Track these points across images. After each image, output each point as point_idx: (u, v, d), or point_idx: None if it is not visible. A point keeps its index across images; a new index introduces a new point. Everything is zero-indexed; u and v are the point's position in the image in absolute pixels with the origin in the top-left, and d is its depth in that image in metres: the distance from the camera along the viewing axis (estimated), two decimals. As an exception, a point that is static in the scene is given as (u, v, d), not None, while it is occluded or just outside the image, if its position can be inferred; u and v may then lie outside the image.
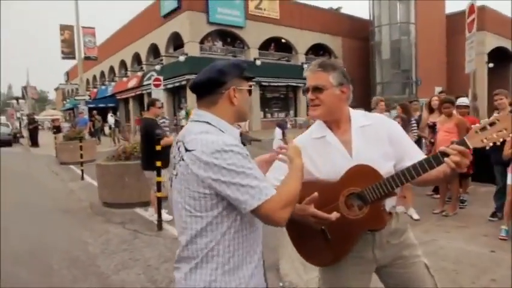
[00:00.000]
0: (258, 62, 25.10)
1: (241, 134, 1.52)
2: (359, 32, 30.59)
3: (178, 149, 1.41)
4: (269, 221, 1.33)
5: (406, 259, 1.80)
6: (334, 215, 1.58)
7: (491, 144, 1.47)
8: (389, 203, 1.76)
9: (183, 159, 1.36)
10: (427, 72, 28.73)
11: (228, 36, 25.68)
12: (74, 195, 8.21)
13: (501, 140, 1.46)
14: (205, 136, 1.35)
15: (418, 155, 1.74)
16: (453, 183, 5.45)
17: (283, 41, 27.84)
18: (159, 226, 5.40)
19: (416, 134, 6.21)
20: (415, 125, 6.33)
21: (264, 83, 25.68)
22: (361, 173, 1.66)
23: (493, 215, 5.10)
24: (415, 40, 28.91)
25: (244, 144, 1.45)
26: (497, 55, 31.68)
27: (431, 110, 6.52)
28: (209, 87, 1.44)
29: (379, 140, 1.75)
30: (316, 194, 1.57)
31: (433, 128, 6.12)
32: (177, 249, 1.46)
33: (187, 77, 22.15)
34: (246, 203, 1.29)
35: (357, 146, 1.74)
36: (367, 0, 29.90)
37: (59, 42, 21.91)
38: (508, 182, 4.42)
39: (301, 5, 28.57)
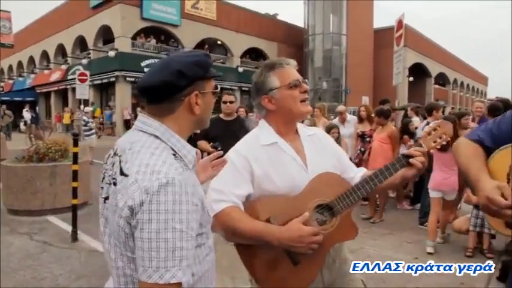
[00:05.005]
0: (193, 62, 24.53)
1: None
2: (294, 39, 31.36)
3: (113, 164, 1.09)
4: None
5: (347, 276, 1.66)
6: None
7: (439, 147, 1.57)
8: None
9: (115, 184, 1.05)
10: (355, 82, 30.36)
11: (162, 33, 24.79)
12: (-26, 201, 7.13)
13: (444, 142, 1.57)
14: (148, 159, 1.02)
15: (354, 167, 1.76)
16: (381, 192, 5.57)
17: (218, 42, 27.56)
18: (74, 237, 4.80)
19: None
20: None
21: (198, 84, 25.18)
22: (327, 182, 1.52)
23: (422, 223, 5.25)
24: (345, 51, 30.42)
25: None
26: (415, 70, 34.59)
27: (360, 120, 6.72)
28: (164, 93, 1.10)
29: (326, 151, 1.68)
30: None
31: (362, 137, 6.30)
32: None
33: (116, 73, 21.25)
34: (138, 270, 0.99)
35: (310, 155, 1.60)
36: (303, 9, 30.93)
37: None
38: (430, 195, 4.56)
39: (239, 8, 28.51)
